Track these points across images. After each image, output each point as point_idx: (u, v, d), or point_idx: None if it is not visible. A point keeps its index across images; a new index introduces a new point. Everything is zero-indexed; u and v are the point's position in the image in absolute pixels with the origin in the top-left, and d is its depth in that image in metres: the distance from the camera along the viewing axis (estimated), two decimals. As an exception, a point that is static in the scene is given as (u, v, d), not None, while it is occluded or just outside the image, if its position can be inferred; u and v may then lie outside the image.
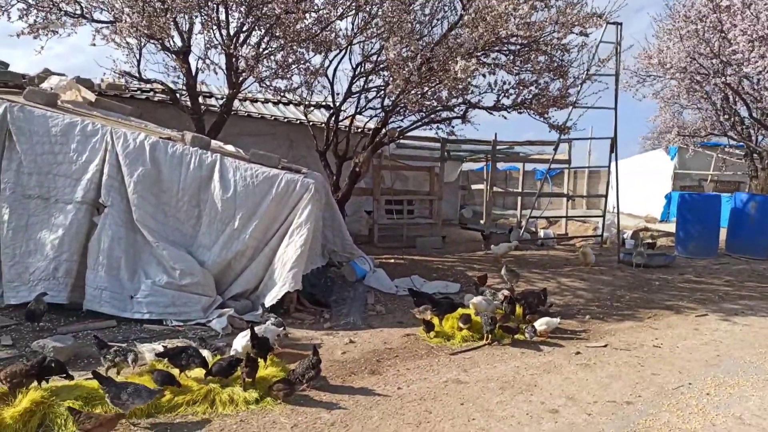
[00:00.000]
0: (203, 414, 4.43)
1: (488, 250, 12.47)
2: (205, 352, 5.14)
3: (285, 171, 7.29)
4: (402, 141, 13.14)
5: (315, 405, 4.70)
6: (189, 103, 9.98)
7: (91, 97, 8.57)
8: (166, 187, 6.92)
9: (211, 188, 6.99)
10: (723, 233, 14.20)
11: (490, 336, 6.49)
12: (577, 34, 9.49)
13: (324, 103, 14.18)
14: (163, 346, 5.19)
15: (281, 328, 6.03)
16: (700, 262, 12.87)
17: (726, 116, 16.41)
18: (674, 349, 6.48)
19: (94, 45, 8.28)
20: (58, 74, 9.18)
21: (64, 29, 8.37)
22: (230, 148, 8.27)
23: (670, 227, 16.95)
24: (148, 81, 10.01)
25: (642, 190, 24.30)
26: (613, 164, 14.23)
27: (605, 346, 6.54)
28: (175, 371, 4.80)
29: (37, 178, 6.59)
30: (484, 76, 9.67)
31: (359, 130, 12.37)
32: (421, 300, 7.09)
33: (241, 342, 5.34)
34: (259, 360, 5.05)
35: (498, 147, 15.57)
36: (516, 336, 6.57)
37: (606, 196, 15.36)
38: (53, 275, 6.54)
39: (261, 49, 9.19)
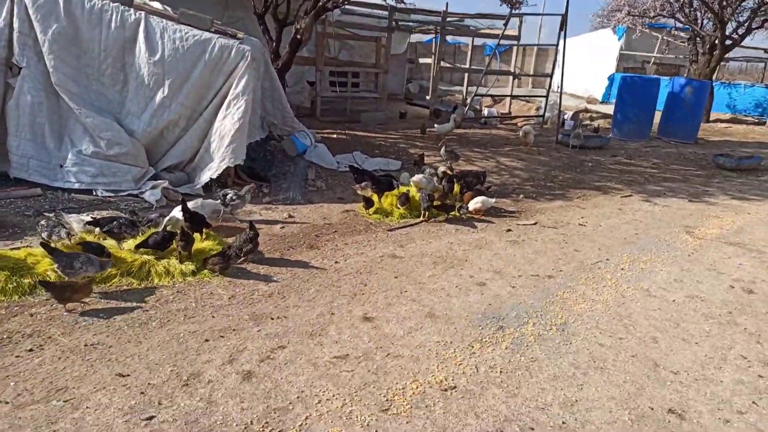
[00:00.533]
0: (138, 285, 4.43)
1: (431, 128, 12.40)
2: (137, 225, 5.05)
3: (219, 35, 6.76)
4: (348, 7, 12.33)
5: (253, 277, 4.78)
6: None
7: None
8: (85, 47, 6.32)
9: (137, 50, 6.43)
10: (658, 117, 14.66)
11: (427, 213, 6.65)
12: None
13: (263, -41, 12.92)
14: (92, 216, 5.03)
15: (228, 207, 5.91)
16: (632, 144, 13.38)
17: (676, -3, 16.24)
18: (597, 228, 6.89)
19: None
20: None
21: None
22: (156, 5, 7.51)
23: (611, 109, 17.31)
24: None
25: (586, 70, 24.39)
26: (561, 42, 14.03)
27: (535, 224, 6.86)
28: (109, 242, 4.71)
29: None
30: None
31: (302, -9, 11.45)
32: (361, 177, 7.09)
33: (177, 215, 5.25)
34: (195, 234, 5.01)
35: (448, 18, 14.96)
36: (451, 214, 6.77)
37: (551, 76, 15.34)
38: None
39: None
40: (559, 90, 14.37)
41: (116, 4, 6.34)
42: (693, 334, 4.32)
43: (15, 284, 4.15)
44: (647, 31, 20.82)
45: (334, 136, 11.43)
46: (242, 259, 4.97)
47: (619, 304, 4.76)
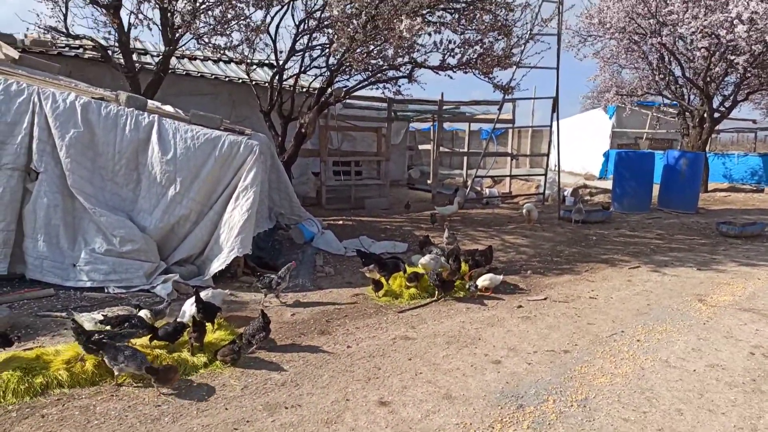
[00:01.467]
0: (116, 384, 4.36)
1: (434, 211, 12.63)
2: (143, 312, 5.06)
3: (228, 132, 7.09)
4: (348, 101, 12.98)
5: (265, 366, 4.73)
6: (122, 61, 9.48)
7: (15, 54, 7.99)
8: (101, 150, 6.61)
9: (150, 151, 6.73)
10: (656, 189, 14.92)
11: (438, 291, 6.66)
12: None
13: (267, 62, 13.78)
14: (102, 315, 5.05)
15: (273, 291, 6.24)
16: (634, 217, 13.52)
17: (661, 76, 17.02)
18: (609, 300, 6.85)
19: (14, -3, 7.69)
20: (-25, 29, 8.49)
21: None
22: (169, 108, 7.95)
23: (608, 184, 17.65)
24: (76, 37, 9.41)
25: (582, 148, 25.13)
26: (555, 123, 14.58)
27: (545, 299, 6.83)
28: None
29: None
30: (429, 35, 9.61)
31: (304, 89, 12.12)
32: (368, 260, 7.16)
33: (188, 307, 5.28)
34: (207, 324, 5.02)
35: (444, 107, 15.66)
36: (459, 292, 6.78)
37: (548, 155, 15.79)
38: None
39: (198, 4, 8.77)
40: (556, 168, 14.75)
41: (131, 109, 6.71)
42: (719, 404, 4.21)
43: (27, 385, 4.12)
44: (637, 108, 21.63)
45: (340, 222, 11.63)
46: (254, 347, 4.94)
47: (639, 377, 4.66)
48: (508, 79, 11.67)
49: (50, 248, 6.40)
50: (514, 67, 11.22)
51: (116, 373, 4.24)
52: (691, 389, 4.43)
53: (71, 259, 6.45)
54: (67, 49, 11.06)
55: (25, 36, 10.57)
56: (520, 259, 9.00)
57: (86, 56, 11.01)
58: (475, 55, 10.08)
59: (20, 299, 6.02)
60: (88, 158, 6.55)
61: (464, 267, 7.48)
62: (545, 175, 15.73)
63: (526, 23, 10.85)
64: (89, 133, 6.52)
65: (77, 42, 10.42)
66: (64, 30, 9.07)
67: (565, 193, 15.99)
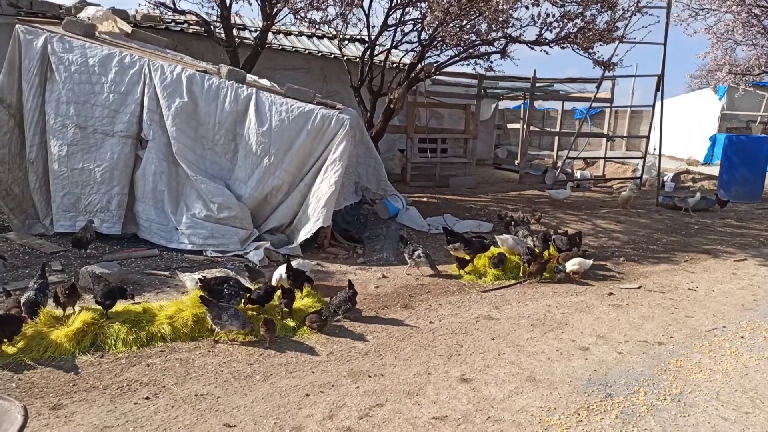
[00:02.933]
0: (243, 338, 4.62)
1: (521, 191, 12.30)
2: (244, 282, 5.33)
3: (320, 106, 7.23)
4: (438, 77, 12.81)
5: (349, 335, 4.85)
6: (223, 36, 9.87)
7: (128, 28, 8.52)
8: (203, 120, 6.96)
9: (247, 122, 7.00)
10: (769, 178, 13.71)
11: (528, 265, 6.57)
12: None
13: (359, 37, 13.81)
14: (201, 275, 5.37)
15: (415, 263, 6.57)
16: (742, 206, 12.51)
17: (784, 53, 15.44)
18: (710, 293, 6.41)
19: (129, -26, 8.17)
20: (94, 5, 9.12)
21: (99, -43, 8.24)
22: (265, 82, 8.20)
23: (713, 170, 16.40)
24: (182, 12, 9.89)
25: (685, 131, 23.38)
26: (657, 103, 13.65)
27: (639, 287, 6.51)
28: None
29: (75, 107, 6.69)
30: (527, 8, 9.23)
31: (394, 65, 12.08)
32: (454, 239, 7.11)
33: (281, 273, 5.50)
34: (296, 291, 5.21)
35: (537, 84, 15.08)
36: (545, 275, 6.60)
37: (648, 137, 14.86)
38: (107, 207, 6.81)
39: (296, -22, 8.93)
40: (655, 151, 13.86)
41: (231, 81, 7.00)
42: (835, 412, 3.85)
43: (134, 336, 4.48)
44: (751, 89, 19.79)
45: (424, 199, 11.61)
46: (340, 316, 5.08)
47: (741, 375, 4.35)
48: (610, 55, 11.04)
49: (156, 212, 6.88)
50: (617, 42, 10.54)
51: (217, 330, 4.50)
52: (803, 394, 4.08)
53: (174, 223, 6.89)
54: (173, 24, 11.64)
55: (136, 11, 11.23)
56: (613, 245, 8.60)
57: (190, 31, 11.55)
58: (575, 29, 9.57)
59: (128, 257, 6.53)
60: (191, 127, 6.92)
61: (552, 250, 7.26)
62: (644, 158, 14.83)
63: (633, -5, 10.12)
64: (193, 104, 6.87)
65: (183, 17, 10.95)
66: (171, 5, 9.55)
67: (665, 179, 15.02)
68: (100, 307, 4.58)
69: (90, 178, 6.78)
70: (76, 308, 4.67)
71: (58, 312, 4.62)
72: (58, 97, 6.69)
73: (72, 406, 3.52)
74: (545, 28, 9.73)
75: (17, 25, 6.77)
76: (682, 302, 6.06)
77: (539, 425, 3.53)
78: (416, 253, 6.52)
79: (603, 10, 9.51)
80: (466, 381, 4.09)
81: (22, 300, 4.49)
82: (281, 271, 5.49)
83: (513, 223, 8.31)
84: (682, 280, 6.86)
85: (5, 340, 4.08)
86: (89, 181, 6.79)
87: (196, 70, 7.02)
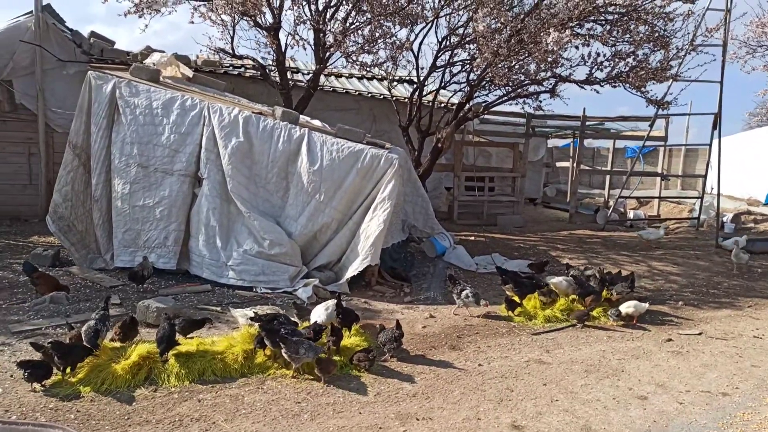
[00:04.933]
0: (291, 377, 4.64)
1: (572, 230, 12.03)
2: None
3: (370, 146, 7.37)
4: (486, 116, 12.87)
5: (396, 376, 4.80)
6: (278, 79, 10.27)
7: (189, 73, 9.00)
8: (257, 159, 7.20)
9: (299, 161, 7.19)
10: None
11: (591, 300, 6.52)
12: (682, 2, 8.83)
13: (407, 78, 14.10)
14: (254, 312, 5.46)
15: (463, 303, 6.50)
16: (810, 249, 11.81)
17: None
18: (778, 342, 6.05)
19: (192, 22, 8.75)
20: (159, 51, 9.70)
21: (166, 8, 8.81)
22: (317, 122, 8.45)
23: (777, 211, 15.66)
24: (240, 57, 10.36)
25: (744, 170, 22.49)
26: (714, 142, 13.24)
27: (700, 334, 6.21)
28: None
29: (138, 147, 7.06)
30: (576, 48, 9.26)
31: (443, 105, 12.23)
32: (507, 278, 7.02)
33: (320, 312, 5.50)
34: (344, 330, 5.22)
35: (587, 123, 14.92)
36: (601, 319, 6.41)
37: (705, 176, 14.37)
38: (164, 243, 7.08)
39: (348, 24, 9.25)
40: (713, 191, 13.38)
41: (285, 122, 7.24)
42: None
43: (186, 370, 4.56)
44: (817, 126, 18.95)
45: (472, 238, 11.51)
46: (387, 356, 5.05)
47: (818, 433, 4.04)
48: (663, 93, 10.84)
49: (208, 248, 7.08)
50: (671, 80, 10.38)
51: (295, 365, 4.59)
52: None
53: (224, 259, 7.06)
54: (231, 68, 12.22)
55: (197, 57, 11.87)
56: (670, 288, 8.26)
57: (247, 74, 12.08)
58: (627, 68, 9.49)
59: (182, 292, 6.72)
60: (246, 166, 7.16)
61: (605, 293, 7.04)
62: (701, 198, 14.33)
63: (687, 33, 10.00)
64: (248, 144, 7.13)
65: (240, 62, 11.47)
66: (230, 51, 10.04)
67: (724, 219, 14.41)
68: (154, 343, 4.69)
69: (150, 215, 7.08)
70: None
71: (116, 344, 4.78)
72: (123, 138, 7.08)
73: (126, 438, 3.60)
74: (596, 67, 9.69)
75: (89, 72, 7.27)
76: (747, 350, 5.73)
77: (596, 479, 3.37)
78: (464, 292, 6.44)
79: (656, 49, 9.41)
80: (517, 428, 3.96)
81: (83, 328, 4.65)
82: (321, 309, 5.50)
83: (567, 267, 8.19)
84: (747, 327, 6.51)
85: (68, 369, 4.24)
86: (149, 218, 7.09)
87: (252, 112, 7.31)
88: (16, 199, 10.17)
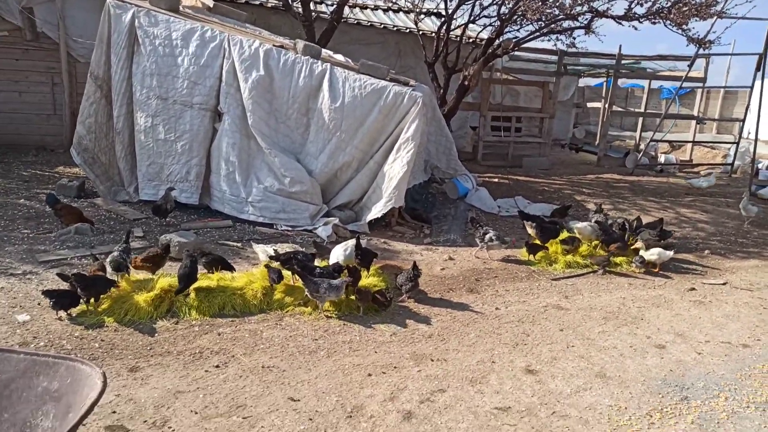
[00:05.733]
0: (309, 314, 4.70)
1: (599, 174, 11.74)
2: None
3: (393, 83, 7.14)
4: (516, 53, 12.35)
5: (413, 317, 4.83)
6: (301, 10, 9.92)
7: (210, 2, 8.72)
8: (277, 94, 7.05)
9: (320, 97, 7.03)
10: None
11: (615, 247, 6.46)
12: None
13: (435, 11, 13.53)
14: (273, 249, 5.50)
15: (485, 245, 6.48)
16: None
17: None
18: (806, 295, 5.91)
19: (212, -51, 8.33)
20: (179, -21, 9.38)
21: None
22: (340, 57, 8.20)
23: (817, 159, 15.03)
24: (261, -14, 10.00)
25: (787, 115, 21.47)
26: (757, 84, 12.58)
27: (724, 284, 6.10)
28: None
29: (158, 79, 6.94)
30: (615, -21, 8.67)
31: (471, 40, 11.75)
32: (529, 223, 6.93)
33: (339, 252, 5.51)
34: (362, 270, 5.24)
35: (623, 61, 14.25)
36: (622, 265, 6.32)
37: (743, 121, 13.76)
38: (186, 178, 7.09)
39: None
40: (750, 136, 12.83)
41: (306, 57, 7.02)
42: None
43: (207, 304, 4.66)
44: None
45: (495, 180, 11.34)
46: (405, 296, 5.07)
47: (840, 389, 3.98)
48: (706, 32, 10.21)
49: (229, 183, 7.07)
50: (716, 17, 9.74)
51: (320, 304, 4.69)
52: None
53: (244, 195, 7.06)
54: (253, -2, 11.83)
55: (219, -15, 11.48)
56: (697, 236, 8.09)
57: (269, 5, 11.68)
58: (669, 3, 8.90)
59: (204, 227, 6.78)
60: (266, 101, 7.02)
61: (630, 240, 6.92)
62: (737, 143, 13.78)
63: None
64: (268, 78, 6.96)
65: (262, -9, 11.10)
66: (251, -21, 9.68)
67: (760, 166, 13.91)
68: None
69: (172, 149, 7.06)
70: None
71: (141, 275, 4.88)
72: (143, 70, 6.97)
73: (148, 369, 3.71)
74: (635, 1, 9.11)
75: (108, 0, 7.08)
76: (773, 303, 5.62)
77: (608, 425, 3.39)
78: (488, 235, 6.37)
79: (702, -19, 8.78)
80: (531, 372, 3.98)
81: (108, 259, 4.75)
82: (339, 250, 5.50)
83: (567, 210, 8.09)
84: (775, 279, 6.37)
85: (92, 300, 4.36)
86: (171, 152, 7.07)
87: (274, 45, 7.10)
88: (41, 128, 10.24)
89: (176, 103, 6.99)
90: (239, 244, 6.27)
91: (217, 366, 3.83)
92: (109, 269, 4.73)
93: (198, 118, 7.00)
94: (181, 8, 7.64)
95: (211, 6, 8.66)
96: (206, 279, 4.92)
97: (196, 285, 4.70)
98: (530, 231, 6.75)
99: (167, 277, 4.88)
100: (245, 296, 4.78)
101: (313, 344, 4.22)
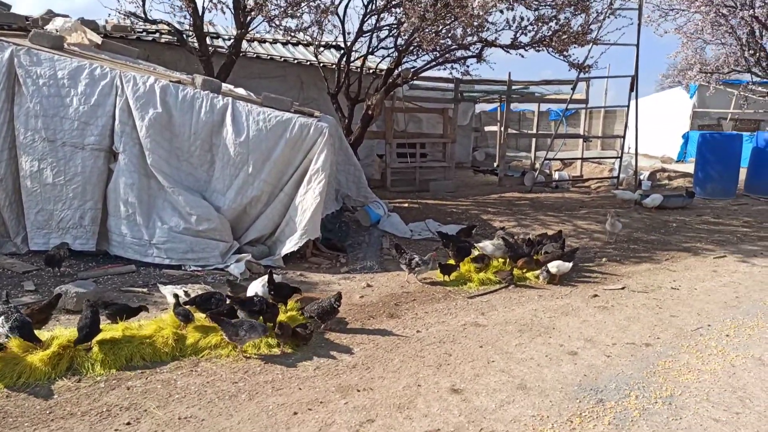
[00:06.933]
0: (227, 357, 4.49)
1: (501, 193, 12.31)
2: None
3: (298, 115, 7.12)
4: (415, 82, 12.80)
5: (336, 348, 4.75)
6: (197, 45, 9.71)
7: (98, 39, 8.33)
8: (177, 131, 6.80)
9: (224, 133, 6.86)
10: (743, 174, 13.96)
11: (523, 262, 6.77)
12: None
13: (335, 44, 13.78)
14: (183, 290, 5.22)
15: (413, 272, 6.55)
16: (718, 203, 12.71)
17: (751, 51, 15.78)
18: (692, 291, 6.46)
19: (98, -16, 7.99)
20: (63, 16, 8.89)
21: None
22: (241, 91, 8.08)
23: (687, 168, 16.68)
24: (154, 22, 9.71)
25: (658, 129, 23.80)
26: (632, 103, 13.84)
27: (623, 288, 6.53)
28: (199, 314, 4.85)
29: (44, 120, 6.45)
30: (501, 12, 9.28)
31: (371, 71, 12.04)
32: (448, 242, 7.12)
33: (256, 288, 5.36)
34: (279, 305, 5.09)
35: (513, 87, 15.17)
36: (530, 279, 6.62)
37: (623, 137, 15.05)
38: (80, 223, 6.59)
39: (269, -14, 8.83)
40: (631, 150, 14.01)
41: (206, 91, 6.85)
42: (823, 408, 3.87)
43: (113, 357, 4.31)
44: (721, 87, 20.19)
45: (405, 205, 11.55)
46: (324, 326, 4.99)
47: (729, 375, 4.36)
48: (584, 57, 11.14)
49: (129, 226, 6.66)
50: (591, 44, 10.67)
51: (239, 346, 4.50)
52: (790, 391, 4.10)
53: (147, 237, 6.69)
54: (144, 33, 11.43)
55: (106, 22, 11.00)
56: (594, 245, 8.65)
57: (163, 40, 11.35)
58: (550, 32, 9.65)
59: (104, 274, 6.33)
60: (166, 139, 6.75)
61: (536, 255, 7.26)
62: (620, 157, 15.02)
63: (606, -3, 10.26)
64: (167, 115, 6.71)
65: (154, 27, 10.76)
66: (142, 15, 9.37)
67: (641, 177, 15.23)
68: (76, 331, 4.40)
69: (62, 193, 6.57)
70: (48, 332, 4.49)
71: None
72: (26, 112, 6.47)
73: (48, 436, 3.36)
74: (520, 31, 9.79)
75: (-19, 38, 6.55)
76: (666, 302, 6.09)
77: (533, 435, 3.48)
78: (414, 261, 6.44)
79: (577, 13, 9.61)
80: (456, 392, 4.02)
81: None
82: (257, 285, 5.36)
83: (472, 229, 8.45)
84: (665, 279, 6.91)
85: (-25, 367, 3.90)
86: (62, 197, 6.57)
87: (170, 81, 6.87)
88: None
89: (66, 144, 6.54)
90: (145, 290, 5.90)
91: (128, 423, 3.54)
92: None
93: (91, 160, 6.57)
94: (66, 45, 7.23)
95: (100, 43, 8.27)
96: (110, 330, 4.57)
97: (99, 337, 4.35)
98: (449, 252, 6.93)
99: (65, 331, 4.47)
100: (155, 344, 4.47)
101: (233, 388, 4.01)
